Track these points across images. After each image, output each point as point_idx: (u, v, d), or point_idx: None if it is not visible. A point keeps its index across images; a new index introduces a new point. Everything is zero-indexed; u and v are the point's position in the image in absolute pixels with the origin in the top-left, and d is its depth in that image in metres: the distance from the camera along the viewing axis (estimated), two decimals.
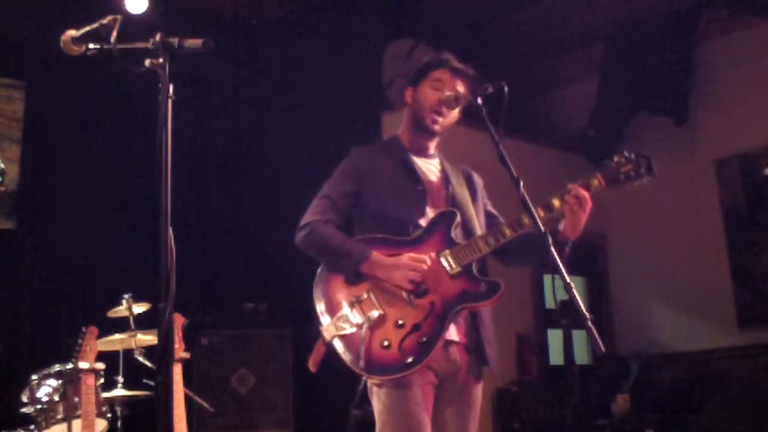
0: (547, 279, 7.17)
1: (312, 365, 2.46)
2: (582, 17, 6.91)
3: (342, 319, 2.43)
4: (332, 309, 2.48)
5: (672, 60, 6.97)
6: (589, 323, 2.07)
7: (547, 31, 7.12)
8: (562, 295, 2.18)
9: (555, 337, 7.27)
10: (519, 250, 2.63)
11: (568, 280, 2.15)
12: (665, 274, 7.26)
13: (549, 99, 8.17)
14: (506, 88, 2.43)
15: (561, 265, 2.19)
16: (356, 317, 2.43)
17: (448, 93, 2.64)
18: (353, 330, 2.41)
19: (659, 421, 6.14)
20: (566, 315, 2.24)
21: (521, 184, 2.32)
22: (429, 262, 2.46)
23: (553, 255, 2.23)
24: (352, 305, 2.45)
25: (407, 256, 2.47)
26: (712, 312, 6.91)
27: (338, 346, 2.42)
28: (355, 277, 2.50)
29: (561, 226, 2.55)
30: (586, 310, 2.10)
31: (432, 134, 2.73)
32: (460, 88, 2.67)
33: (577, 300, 2.12)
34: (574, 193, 2.51)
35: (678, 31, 6.96)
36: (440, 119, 2.68)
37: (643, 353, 6.96)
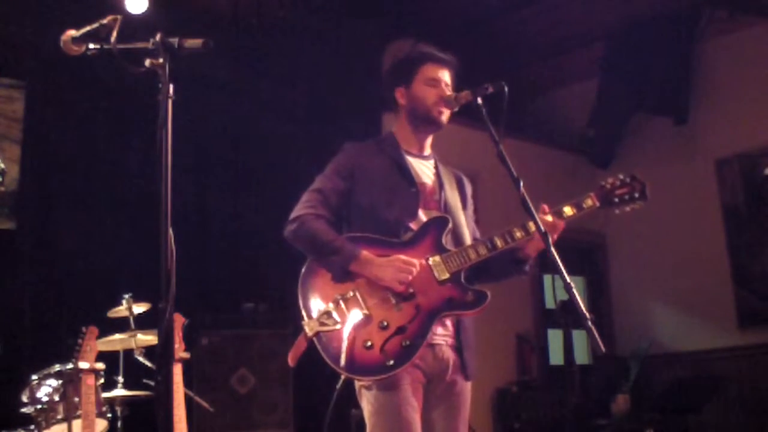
0: (547, 279, 7.18)
1: (291, 360, 2.43)
2: (582, 17, 6.92)
3: (325, 316, 2.41)
4: (316, 305, 2.46)
5: (672, 60, 6.98)
6: (589, 323, 2.06)
7: (547, 31, 7.13)
8: (562, 295, 2.19)
9: (555, 337, 7.27)
10: (496, 267, 2.65)
11: (568, 280, 2.15)
12: (665, 274, 7.26)
13: (549, 99, 8.18)
14: (506, 88, 2.43)
15: (561, 265, 2.19)
16: (340, 315, 2.41)
17: (448, 93, 2.66)
18: (336, 327, 2.39)
19: (659, 421, 6.14)
20: (566, 315, 2.24)
21: (521, 184, 2.33)
22: (419, 266, 2.46)
23: (554, 255, 2.23)
24: (337, 303, 2.43)
25: (398, 258, 2.46)
26: (712, 312, 6.91)
27: (320, 343, 2.40)
28: (342, 275, 2.49)
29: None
30: (586, 310, 2.10)
31: (439, 127, 2.72)
32: (446, 77, 2.70)
33: (577, 300, 2.12)
34: (552, 222, 2.53)
35: (678, 31, 6.97)
36: (446, 111, 2.68)
37: (643, 353, 6.96)
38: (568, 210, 2.59)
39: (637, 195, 2.64)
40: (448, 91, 2.68)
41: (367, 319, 2.41)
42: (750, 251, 6.76)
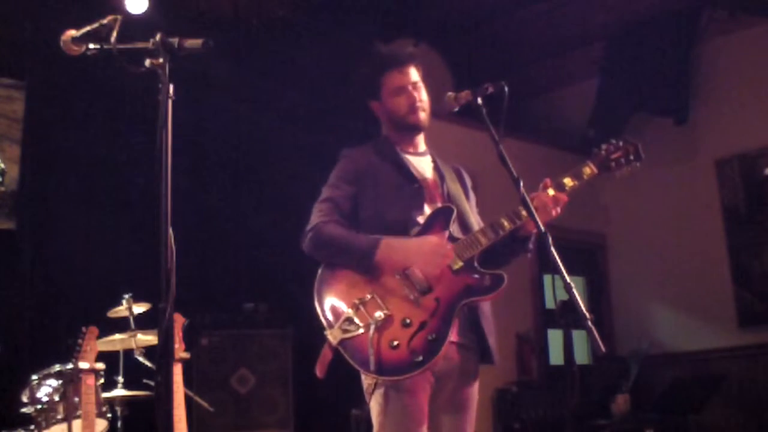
0: (547, 279, 7.17)
1: (319, 371, 2.41)
2: (582, 17, 6.91)
3: (347, 323, 2.39)
4: (336, 312, 2.44)
5: (672, 60, 6.97)
6: (589, 323, 2.06)
7: (547, 31, 7.12)
8: (562, 295, 2.18)
9: (555, 337, 7.27)
10: (499, 252, 2.64)
11: (568, 280, 2.15)
12: (665, 274, 7.25)
13: (549, 99, 8.17)
14: (506, 88, 2.43)
15: (561, 265, 2.19)
16: (362, 319, 2.39)
17: (416, 95, 2.67)
18: (359, 332, 2.37)
19: (659, 421, 6.14)
20: (566, 315, 2.24)
21: (521, 184, 2.33)
22: (449, 248, 2.48)
23: (554, 255, 2.23)
24: (356, 307, 2.41)
25: (428, 241, 2.48)
26: (712, 312, 6.91)
27: (345, 350, 2.37)
28: (366, 270, 2.47)
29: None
30: (586, 310, 2.09)
31: (420, 129, 2.75)
32: (414, 75, 2.70)
33: (577, 300, 2.11)
34: (555, 196, 2.54)
35: (678, 31, 6.97)
36: (422, 114, 2.70)
37: (643, 353, 6.96)
38: (568, 181, 2.61)
39: (632, 157, 2.69)
40: (417, 93, 2.68)
41: (390, 319, 2.40)
42: (750, 251, 6.76)
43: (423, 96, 2.72)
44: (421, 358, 2.34)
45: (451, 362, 2.52)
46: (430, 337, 2.37)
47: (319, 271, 2.56)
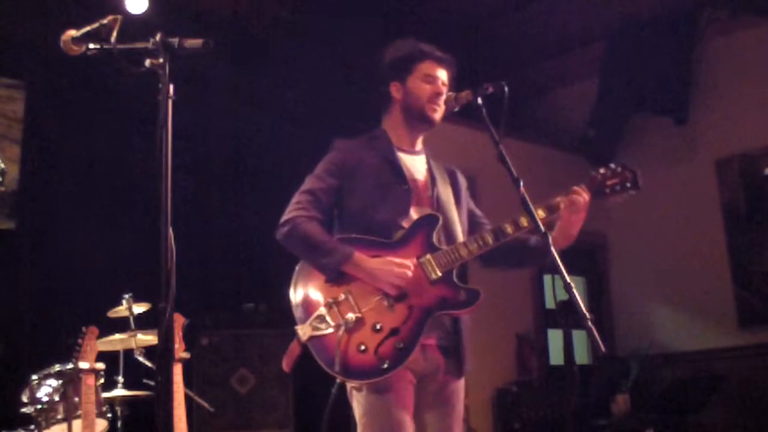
0: (547, 279, 7.17)
1: (286, 365, 2.44)
2: (582, 17, 6.92)
3: (318, 320, 2.40)
4: (309, 309, 2.45)
5: (672, 60, 6.97)
6: (589, 323, 2.06)
7: (547, 31, 7.13)
8: (562, 295, 2.18)
9: (555, 337, 7.27)
10: (499, 256, 2.62)
11: (568, 280, 2.15)
12: (665, 274, 7.25)
13: (549, 99, 8.17)
14: (506, 88, 2.43)
15: (561, 265, 2.19)
16: (333, 319, 2.40)
17: (443, 91, 2.66)
18: (330, 331, 2.38)
19: (659, 421, 6.13)
20: (566, 315, 2.24)
21: (521, 184, 2.32)
22: (413, 268, 2.44)
23: (554, 255, 2.23)
24: (329, 306, 2.42)
25: (392, 261, 2.44)
26: (712, 312, 6.91)
27: (313, 347, 2.39)
28: (335, 277, 2.47)
29: (552, 234, 2.54)
30: (586, 310, 2.09)
31: (432, 124, 2.71)
32: (443, 76, 2.68)
33: (577, 300, 2.11)
34: (572, 198, 2.55)
35: (678, 31, 6.97)
36: (439, 109, 2.67)
37: (643, 353, 6.96)
38: (560, 202, 2.59)
39: (628, 184, 2.65)
40: (444, 90, 2.67)
41: (361, 322, 2.40)
42: (750, 251, 6.76)
43: (444, 98, 2.69)
44: (387, 365, 2.34)
45: (433, 363, 2.51)
46: (399, 345, 2.37)
47: (298, 266, 2.56)
